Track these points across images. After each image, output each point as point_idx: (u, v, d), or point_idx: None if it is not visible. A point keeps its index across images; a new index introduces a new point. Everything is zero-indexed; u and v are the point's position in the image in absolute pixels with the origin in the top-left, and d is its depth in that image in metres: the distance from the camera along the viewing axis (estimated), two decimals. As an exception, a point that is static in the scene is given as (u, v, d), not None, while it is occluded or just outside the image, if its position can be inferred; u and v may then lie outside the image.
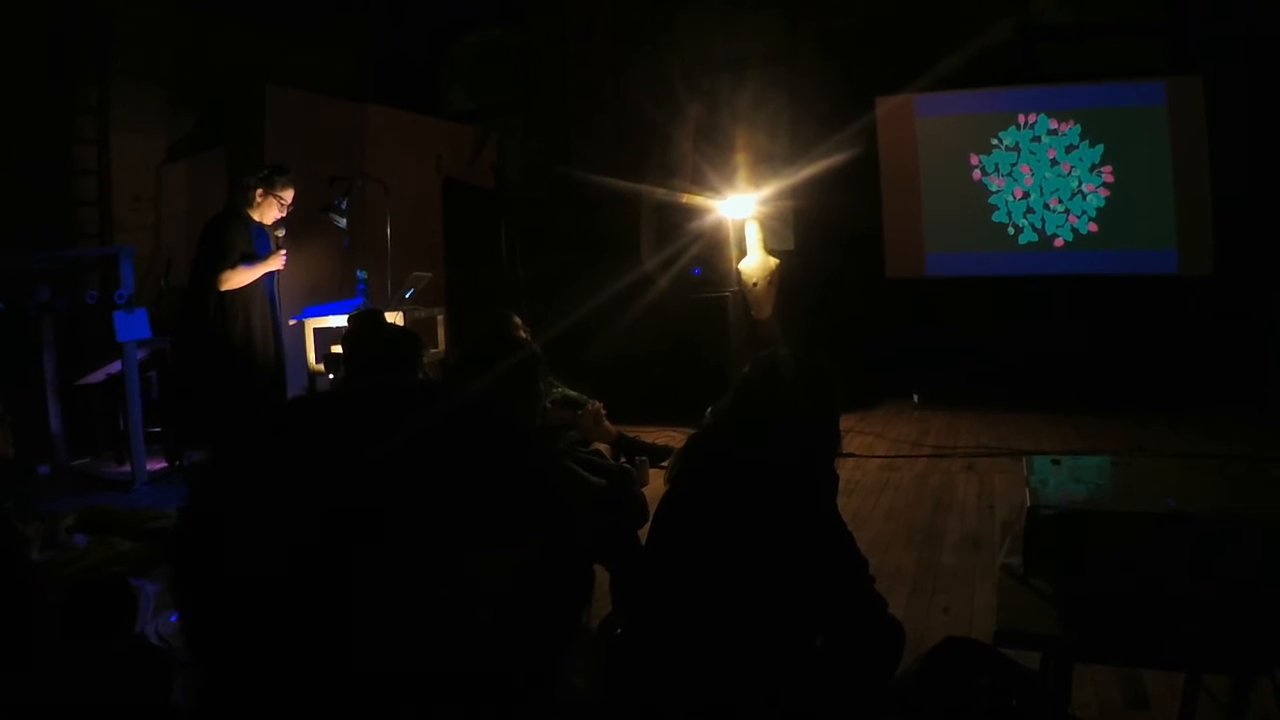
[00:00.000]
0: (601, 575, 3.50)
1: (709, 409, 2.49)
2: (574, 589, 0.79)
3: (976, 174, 8.47)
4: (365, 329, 4.43)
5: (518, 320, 5.02)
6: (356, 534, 0.66)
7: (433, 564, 0.67)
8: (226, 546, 0.68)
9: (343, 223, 6.61)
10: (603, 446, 5.15)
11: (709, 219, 8.38)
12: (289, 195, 6.05)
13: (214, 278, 5.81)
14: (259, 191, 5.98)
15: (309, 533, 0.66)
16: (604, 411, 5.08)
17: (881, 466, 6.42)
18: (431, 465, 0.70)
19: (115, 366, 6.63)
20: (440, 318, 7.23)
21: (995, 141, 8.39)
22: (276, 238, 6.11)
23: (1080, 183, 8.15)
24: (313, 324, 6.54)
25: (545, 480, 0.77)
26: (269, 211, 6.03)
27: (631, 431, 6.44)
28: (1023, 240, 8.38)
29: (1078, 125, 8.14)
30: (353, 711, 0.65)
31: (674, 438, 6.67)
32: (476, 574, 0.68)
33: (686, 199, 8.43)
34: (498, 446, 0.75)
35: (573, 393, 5.49)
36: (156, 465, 6.71)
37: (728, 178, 8.46)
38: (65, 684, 2.25)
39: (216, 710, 0.70)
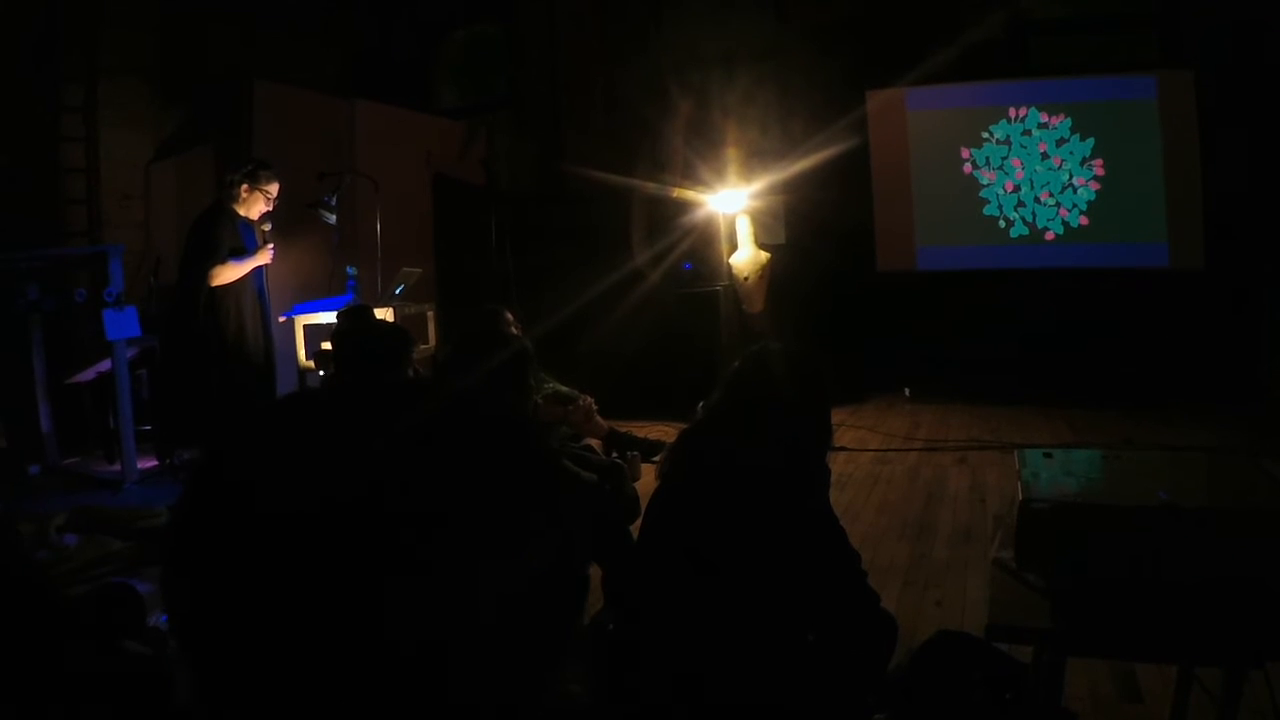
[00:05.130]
0: (593, 571, 3.49)
1: (700, 404, 2.48)
2: (572, 597, 0.78)
3: (967, 167, 8.48)
4: (354, 325, 4.41)
5: (509, 315, 5.01)
6: (358, 534, 0.65)
7: (436, 566, 0.66)
8: (220, 546, 0.66)
9: (332, 219, 6.58)
10: (594, 441, 5.15)
11: (700, 213, 8.36)
12: (274, 189, 6.03)
13: (203, 274, 5.78)
14: (244, 186, 5.95)
15: (308, 532, 0.65)
16: (595, 406, 5.08)
17: (873, 460, 6.43)
18: (435, 469, 0.69)
19: (105, 365, 6.59)
20: (431, 313, 7.21)
21: (986, 135, 8.39)
22: (263, 232, 6.09)
23: (1071, 176, 8.16)
24: (303, 320, 6.52)
25: (554, 492, 0.76)
26: (254, 206, 6.01)
27: (623, 426, 6.43)
28: (1014, 233, 8.38)
29: (1068, 119, 8.15)
30: (345, 712, 0.64)
31: (665, 432, 6.66)
32: (484, 581, 0.68)
33: (677, 193, 8.41)
34: (506, 457, 0.74)
35: (564, 388, 5.48)
36: (147, 464, 6.68)
37: (719, 172, 8.45)
38: (76, 686, 2.24)
39: (213, 709, 0.69)
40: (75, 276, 7.37)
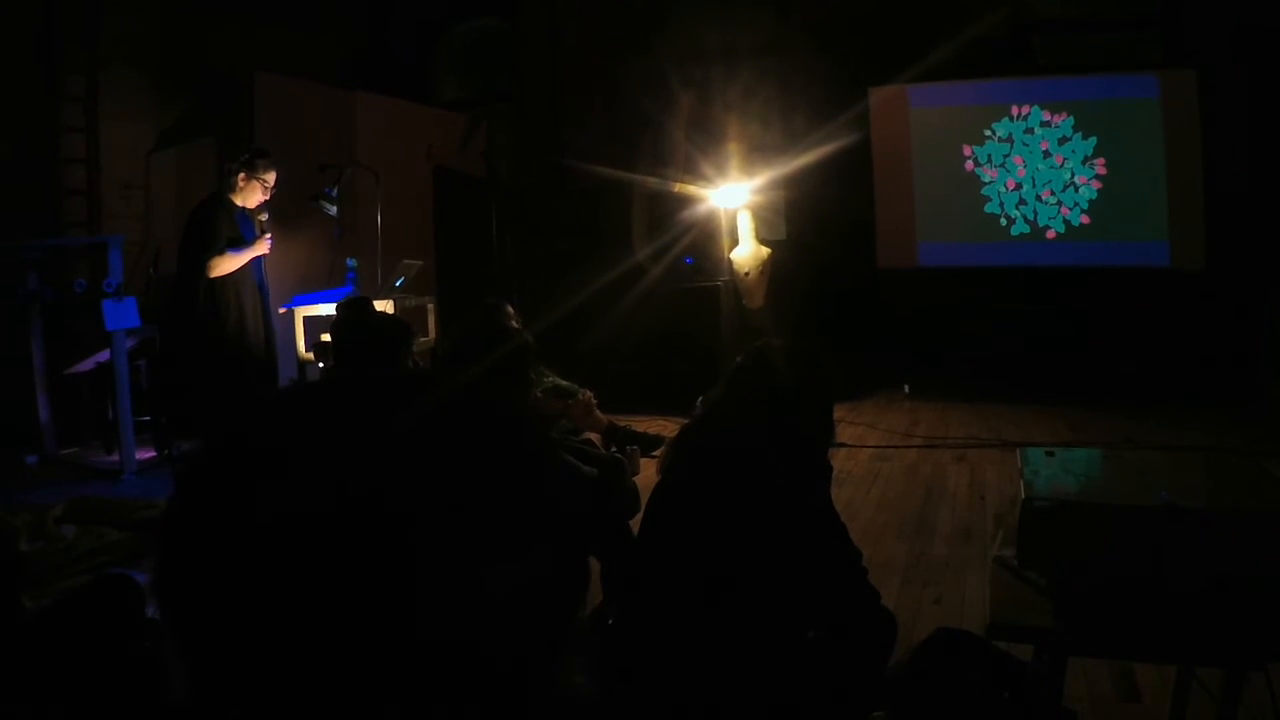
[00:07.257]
0: (593, 565, 3.49)
1: (700, 398, 2.48)
2: (572, 591, 0.77)
3: (969, 165, 8.47)
4: (353, 317, 4.39)
5: (509, 309, 5.00)
6: (359, 532, 0.64)
7: (436, 563, 0.65)
8: (217, 544, 0.66)
9: (333, 211, 6.56)
10: (594, 436, 5.15)
11: (701, 208, 8.35)
12: (271, 178, 5.99)
13: (202, 265, 5.75)
14: (241, 176, 5.91)
15: (307, 530, 0.64)
16: (595, 401, 5.08)
17: (873, 457, 6.42)
18: (436, 466, 0.69)
19: (104, 355, 6.59)
20: (431, 306, 7.20)
21: (988, 133, 8.38)
22: (261, 222, 6.06)
23: (1073, 175, 8.15)
24: (302, 312, 6.50)
25: (558, 497, 0.75)
26: (253, 195, 5.96)
27: (622, 421, 6.43)
28: (1015, 231, 8.38)
29: (1071, 117, 8.14)
30: (344, 708, 0.64)
31: (665, 427, 6.66)
32: (485, 577, 0.67)
33: (679, 188, 8.40)
34: (506, 454, 0.74)
35: (564, 382, 5.48)
36: (145, 455, 6.68)
37: (720, 167, 8.44)
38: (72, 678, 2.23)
39: (209, 703, 0.68)
40: (75, 267, 7.37)
